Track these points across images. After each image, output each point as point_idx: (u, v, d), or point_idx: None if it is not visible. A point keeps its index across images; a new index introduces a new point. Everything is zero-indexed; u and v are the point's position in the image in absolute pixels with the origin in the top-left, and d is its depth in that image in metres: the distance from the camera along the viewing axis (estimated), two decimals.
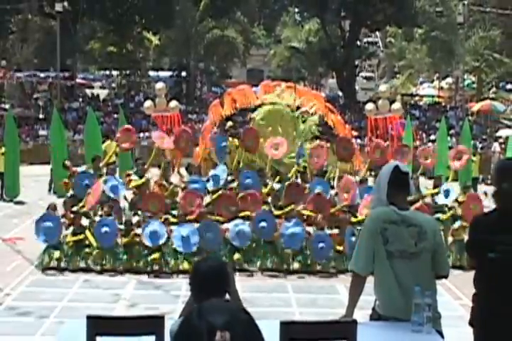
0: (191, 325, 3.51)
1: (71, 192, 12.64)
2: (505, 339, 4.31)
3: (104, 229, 10.97)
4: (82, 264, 11.00)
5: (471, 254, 4.61)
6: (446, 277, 4.73)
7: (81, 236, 11.12)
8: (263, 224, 11.25)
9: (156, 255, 10.91)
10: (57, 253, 10.99)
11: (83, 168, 13.56)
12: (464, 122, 19.10)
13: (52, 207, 11.64)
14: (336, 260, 11.12)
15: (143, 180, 12.72)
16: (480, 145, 25.76)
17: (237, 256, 11.10)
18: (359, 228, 11.27)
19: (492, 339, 4.36)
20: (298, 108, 15.02)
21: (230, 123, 16.16)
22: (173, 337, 3.63)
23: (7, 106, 31.92)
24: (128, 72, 43.11)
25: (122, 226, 11.34)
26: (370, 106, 16.87)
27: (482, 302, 4.41)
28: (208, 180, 12.65)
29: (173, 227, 11.26)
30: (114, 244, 11.09)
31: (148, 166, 13.23)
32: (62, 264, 10.98)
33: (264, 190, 12.53)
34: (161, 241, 10.94)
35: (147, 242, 10.91)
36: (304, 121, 14.89)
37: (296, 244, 11.14)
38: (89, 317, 4.09)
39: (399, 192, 4.63)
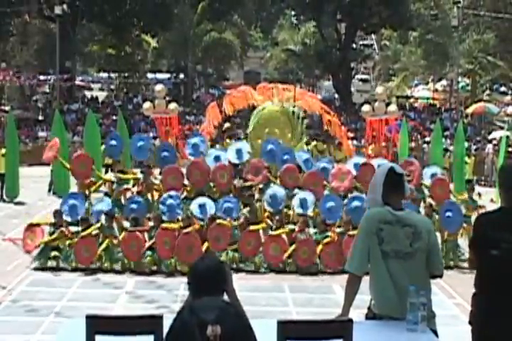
0: (183, 321, 3.60)
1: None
2: (505, 336, 4.36)
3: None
4: (82, 264, 11.06)
5: (474, 252, 4.59)
6: (440, 277, 4.77)
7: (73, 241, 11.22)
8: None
9: (149, 258, 10.99)
10: (56, 254, 11.06)
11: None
12: (459, 124, 19.18)
13: (58, 214, 11.68)
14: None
15: (132, 175, 13.08)
16: (474, 147, 25.84)
17: (234, 255, 11.18)
18: None
19: (492, 337, 4.40)
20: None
21: (227, 124, 16.25)
22: (166, 334, 3.70)
23: (7, 108, 31.98)
24: (126, 74, 43.13)
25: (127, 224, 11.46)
26: (366, 107, 16.99)
27: (483, 300, 4.42)
28: None
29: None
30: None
31: (152, 168, 13.42)
32: (61, 264, 11.04)
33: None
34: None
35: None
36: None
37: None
38: (88, 317, 4.13)
39: (394, 193, 4.68)
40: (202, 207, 11.77)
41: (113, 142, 13.61)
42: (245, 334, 3.64)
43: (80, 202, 11.92)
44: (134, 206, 11.96)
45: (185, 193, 12.68)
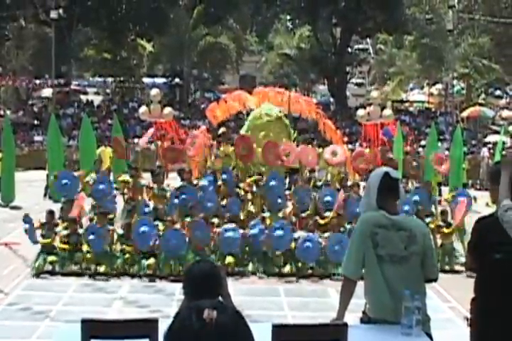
0: (182, 318, 3.63)
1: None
2: (507, 338, 4.37)
3: (92, 236, 11.09)
4: (77, 268, 11.05)
5: (474, 256, 4.59)
6: (435, 280, 4.80)
7: (69, 246, 11.20)
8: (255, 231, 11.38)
9: (150, 260, 10.97)
10: (52, 258, 11.05)
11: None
12: (456, 128, 19.15)
13: (50, 214, 11.68)
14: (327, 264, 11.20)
15: (129, 178, 13.06)
16: (469, 151, 25.92)
17: (229, 259, 11.19)
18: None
19: (493, 339, 4.41)
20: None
21: (222, 129, 16.29)
22: (164, 333, 3.73)
23: (2, 113, 32.00)
24: (122, 78, 43.17)
25: (120, 231, 11.45)
26: (361, 112, 17.06)
27: (485, 303, 4.45)
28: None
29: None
30: (104, 249, 11.18)
31: (139, 171, 13.43)
32: (57, 268, 11.03)
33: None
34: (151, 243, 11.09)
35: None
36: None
37: (282, 246, 11.19)
38: (83, 321, 4.15)
39: (389, 198, 4.71)
40: None
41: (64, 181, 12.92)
42: (242, 330, 3.66)
43: (73, 180, 12.15)
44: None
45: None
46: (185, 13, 40.73)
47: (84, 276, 10.85)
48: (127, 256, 11.09)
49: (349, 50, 44.75)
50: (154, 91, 16.66)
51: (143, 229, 11.04)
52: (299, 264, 11.18)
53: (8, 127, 18.30)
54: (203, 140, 15.06)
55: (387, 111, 17.30)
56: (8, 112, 33.87)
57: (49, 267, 11.00)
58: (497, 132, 32.06)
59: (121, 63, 41.63)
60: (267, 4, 44.44)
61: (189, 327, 3.54)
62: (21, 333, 8.06)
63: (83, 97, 44.10)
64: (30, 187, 19.57)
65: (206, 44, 41.85)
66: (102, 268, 10.97)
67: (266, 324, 4.21)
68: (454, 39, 38.69)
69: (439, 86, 48.24)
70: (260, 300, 9.71)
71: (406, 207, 11.70)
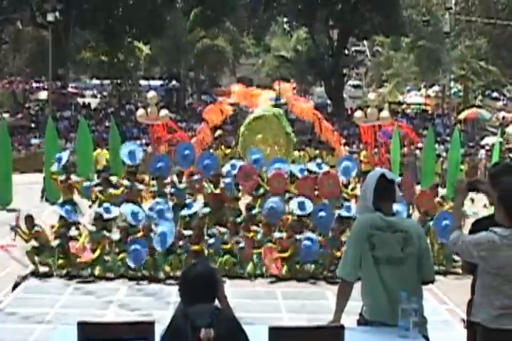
0: (176, 326, 3.63)
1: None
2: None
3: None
4: (74, 271, 11.04)
5: None
6: (432, 282, 4.78)
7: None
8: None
9: (148, 263, 10.96)
10: (48, 260, 11.03)
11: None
12: (455, 130, 19.12)
13: (30, 218, 11.70)
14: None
15: (121, 190, 13.06)
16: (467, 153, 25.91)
17: (227, 259, 11.18)
18: None
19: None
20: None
21: (219, 131, 16.32)
22: (160, 340, 3.74)
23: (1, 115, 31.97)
24: (119, 81, 43.18)
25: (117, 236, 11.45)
26: (359, 113, 17.06)
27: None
28: None
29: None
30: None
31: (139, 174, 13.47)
32: (54, 271, 11.02)
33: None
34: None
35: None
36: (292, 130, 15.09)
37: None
38: (80, 323, 4.15)
39: (385, 200, 4.69)
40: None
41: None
42: (238, 337, 3.65)
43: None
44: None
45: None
46: (182, 16, 40.78)
47: (81, 279, 10.84)
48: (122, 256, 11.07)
49: (346, 52, 44.77)
50: (151, 94, 16.67)
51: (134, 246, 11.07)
52: (297, 266, 11.17)
53: (5, 130, 18.30)
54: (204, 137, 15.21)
55: (385, 113, 17.31)
56: (5, 115, 33.84)
57: (45, 269, 10.99)
58: (494, 134, 32.10)
59: (118, 66, 41.64)
60: (263, 6, 44.46)
61: (184, 338, 3.55)
62: (18, 336, 8.05)
63: (80, 100, 44.10)
64: (28, 190, 19.55)
65: (203, 46, 41.90)
66: (99, 271, 10.95)
67: (262, 326, 4.19)
68: (451, 41, 38.75)
69: (436, 88, 48.32)
70: (257, 302, 9.70)
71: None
